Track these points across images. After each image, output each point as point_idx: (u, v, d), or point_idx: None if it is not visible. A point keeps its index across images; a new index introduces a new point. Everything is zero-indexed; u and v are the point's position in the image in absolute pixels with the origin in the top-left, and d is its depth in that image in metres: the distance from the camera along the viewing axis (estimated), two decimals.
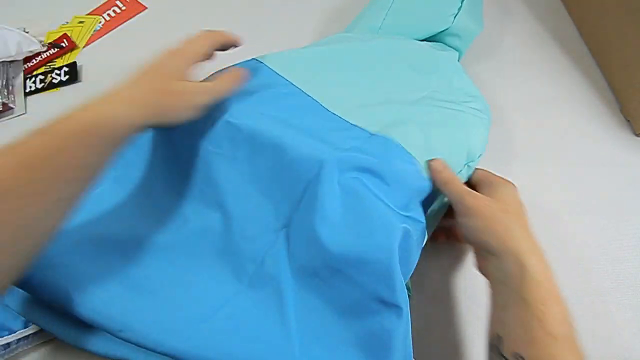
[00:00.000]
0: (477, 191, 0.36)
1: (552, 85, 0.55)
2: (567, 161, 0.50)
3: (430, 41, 0.51)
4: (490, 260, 0.33)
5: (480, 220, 0.33)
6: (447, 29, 0.50)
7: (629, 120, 0.51)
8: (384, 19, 0.50)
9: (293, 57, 0.45)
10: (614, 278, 0.43)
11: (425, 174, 0.37)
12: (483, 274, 0.36)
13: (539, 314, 0.29)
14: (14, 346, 0.39)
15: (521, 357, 0.28)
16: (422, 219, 0.36)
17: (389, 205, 0.33)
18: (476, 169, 0.41)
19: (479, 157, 0.42)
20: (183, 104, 0.33)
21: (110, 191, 0.38)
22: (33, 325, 0.39)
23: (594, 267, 0.44)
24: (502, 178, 0.38)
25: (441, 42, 0.51)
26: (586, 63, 0.56)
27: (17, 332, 0.38)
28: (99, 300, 0.32)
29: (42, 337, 0.40)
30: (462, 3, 0.49)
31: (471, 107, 0.43)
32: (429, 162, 0.37)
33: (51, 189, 0.27)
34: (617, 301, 0.42)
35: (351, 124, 0.38)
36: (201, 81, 0.38)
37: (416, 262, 0.35)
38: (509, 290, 0.31)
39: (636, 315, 0.41)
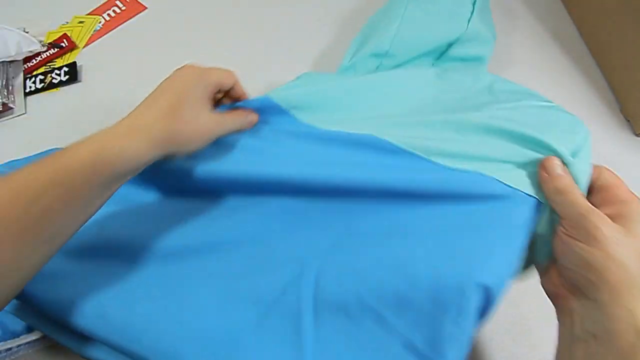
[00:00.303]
0: (593, 204, 0.27)
1: (552, 85, 0.55)
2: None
3: (449, 59, 0.49)
4: (581, 302, 0.26)
5: (599, 254, 0.25)
6: (462, 36, 0.49)
7: (629, 120, 0.51)
8: (399, 26, 0.49)
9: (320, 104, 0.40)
10: None
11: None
12: (553, 299, 0.30)
13: None
14: (16, 349, 0.39)
15: None
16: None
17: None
18: (601, 169, 0.31)
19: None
20: (197, 136, 0.31)
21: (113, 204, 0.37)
22: (36, 330, 0.39)
23: None
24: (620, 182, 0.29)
25: (461, 57, 0.49)
26: (586, 63, 0.56)
27: (21, 337, 0.38)
28: (98, 314, 0.31)
29: (45, 341, 0.40)
30: (474, 7, 0.49)
31: (546, 103, 0.38)
32: (540, 161, 0.30)
33: (47, 222, 0.25)
34: None
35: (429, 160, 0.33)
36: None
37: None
38: (602, 351, 0.24)
39: None
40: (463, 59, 0.49)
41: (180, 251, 0.34)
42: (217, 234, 0.35)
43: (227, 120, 0.34)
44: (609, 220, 0.26)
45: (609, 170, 0.30)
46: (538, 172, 0.30)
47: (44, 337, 0.39)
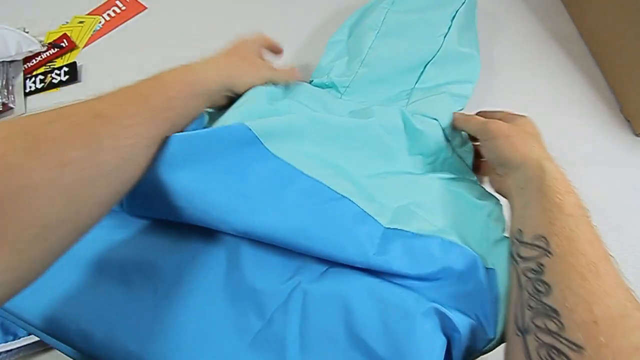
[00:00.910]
0: None
1: (552, 85, 0.55)
2: (567, 161, 0.49)
3: (424, 90, 0.48)
4: (509, 174, 0.36)
5: (502, 138, 0.37)
6: (437, 56, 0.48)
7: (629, 120, 0.51)
8: (376, 36, 0.50)
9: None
10: None
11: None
12: (502, 191, 0.39)
13: (558, 201, 0.31)
14: (16, 351, 0.39)
15: (542, 237, 0.30)
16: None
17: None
18: (494, 112, 0.44)
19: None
20: (253, 71, 0.40)
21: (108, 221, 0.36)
22: (24, 337, 0.38)
23: None
24: (518, 114, 0.41)
25: (437, 84, 0.48)
26: (586, 63, 0.56)
27: (22, 339, 0.38)
28: (84, 325, 0.31)
29: (45, 344, 0.40)
30: (451, 22, 0.49)
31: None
32: (453, 118, 0.43)
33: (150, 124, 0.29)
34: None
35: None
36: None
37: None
38: (528, 191, 0.33)
39: None
40: (439, 85, 0.48)
41: (164, 276, 0.33)
42: (203, 262, 0.34)
43: (276, 70, 0.43)
44: (500, 121, 0.39)
45: (498, 111, 0.43)
46: (453, 121, 0.44)
47: (32, 344, 0.39)
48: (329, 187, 0.34)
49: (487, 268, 0.33)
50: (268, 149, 0.34)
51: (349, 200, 0.34)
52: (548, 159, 0.35)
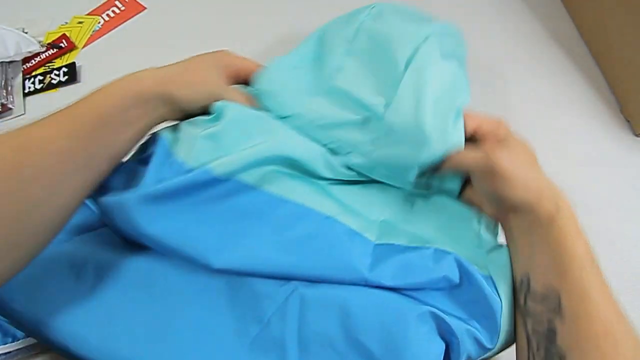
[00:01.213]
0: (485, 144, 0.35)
1: (552, 85, 0.55)
2: (567, 161, 0.50)
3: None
4: (512, 215, 0.33)
5: (504, 177, 0.31)
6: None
7: (629, 121, 0.51)
8: (344, 53, 0.42)
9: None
10: (613, 278, 0.43)
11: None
12: (496, 219, 0.36)
13: (570, 248, 0.29)
14: (15, 353, 0.38)
15: (553, 290, 0.29)
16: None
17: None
18: (481, 121, 0.37)
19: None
20: (197, 84, 0.36)
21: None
22: (23, 339, 0.38)
23: None
24: (497, 123, 0.36)
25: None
26: (586, 63, 0.56)
27: (20, 341, 0.38)
28: (79, 331, 0.31)
29: (44, 346, 0.39)
30: (406, 67, 0.37)
31: None
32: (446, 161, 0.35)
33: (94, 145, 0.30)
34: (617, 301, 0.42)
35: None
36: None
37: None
38: (537, 232, 0.31)
39: (636, 316, 0.41)
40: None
41: (163, 282, 0.33)
42: (199, 272, 0.34)
43: (228, 90, 0.38)
44: (496, 151, 0.32)
45: (486, 120, 0.36)
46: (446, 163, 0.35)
47: (31, 346, 0.39)
48: (313, 209, 0.33)
49: (484, 276, 0.32)
50: (240, 181, 0.33)
51: (335, 220, 0.33)
52: (560, 196, 0.32)
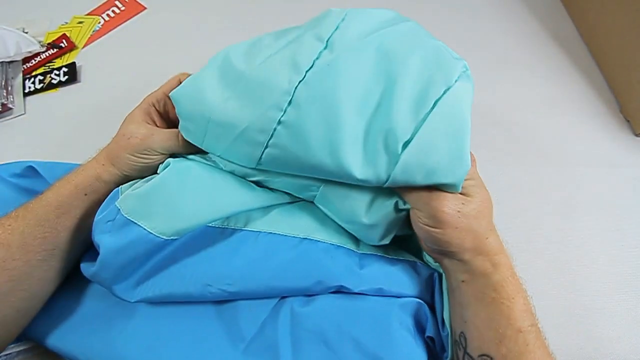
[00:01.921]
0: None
1: (552, 85, 0.55)
2: (567, 161, 0.50)
3: None
4: (449, 263, 0.32)
5: (450, 229, 0.30)
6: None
7: (628, 121, 0.51)
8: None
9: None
10: (614, 278, 0.43)
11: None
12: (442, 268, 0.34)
13: (507, 311, 0.28)
14: (15, 355, 0.38)
15: (489, 358, 0.28)
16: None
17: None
18: None
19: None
20: (125, 145, 0.36)
21: None
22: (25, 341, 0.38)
23: (593, 267, 0.44)
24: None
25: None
26: (586, 63, 0.56)
27: (22, 342, 0.38)
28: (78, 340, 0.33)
29: (44, 347, 0.39)
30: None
31: None
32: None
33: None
34: (617, 302, 0.42)
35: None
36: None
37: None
38: (471, 288, 0.30)
39: (636, 316, 0.41)
40: None
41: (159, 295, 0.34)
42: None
43: (152, 135, 0.37)
44: (448, 196, 0.30)
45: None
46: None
47: (32, 347, 0.39)
48: (284, 235, 0.34)
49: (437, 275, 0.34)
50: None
51: (310, 240, 0.34)
52: (499, 249, 0.30)
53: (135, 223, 0.31)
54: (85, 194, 0.34)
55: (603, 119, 0.52)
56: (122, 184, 0.35)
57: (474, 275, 0.30)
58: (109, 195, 0.34)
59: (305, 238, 0.34)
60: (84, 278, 0.34)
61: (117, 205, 0.32)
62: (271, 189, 0.36)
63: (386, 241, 0.34)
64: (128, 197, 0.33)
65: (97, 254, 0.32)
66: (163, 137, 0.36)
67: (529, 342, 0.28)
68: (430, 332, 0.32)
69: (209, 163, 0.36)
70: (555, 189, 0.48)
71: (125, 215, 0.31)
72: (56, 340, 0.34)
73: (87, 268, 0.32)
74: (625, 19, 0.49)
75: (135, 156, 0.36)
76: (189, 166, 0.35)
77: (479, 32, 0.60)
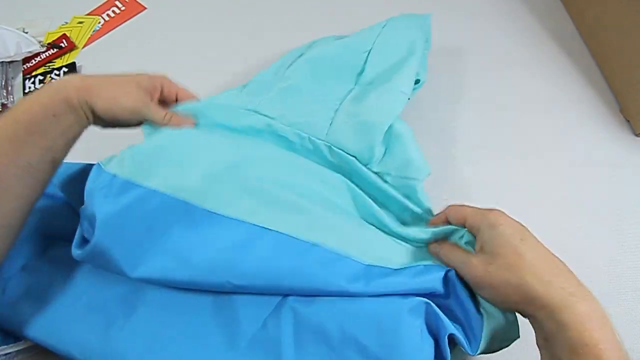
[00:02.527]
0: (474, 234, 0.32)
1: (552, 85, 0.55)
2: (567, 161, 0.50)
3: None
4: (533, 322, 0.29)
5: (490, 289, 0.29)
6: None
7: (628, 121, 0.51)
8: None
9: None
10: (614, 279, 0.43)
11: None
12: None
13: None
14: (14, 355, 0.38)
15: None
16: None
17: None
18: (447, 213, 0.35)
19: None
20: (121, 98, 0.36)
21: None
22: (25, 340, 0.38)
23: (593, 267, 0.44)
24: (486, 212, 0.32)
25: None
26: (586, 63, 0.56)
27: (22, 342, 0.38)
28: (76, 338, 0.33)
29: (44, 347, 0.39)
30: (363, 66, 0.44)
31: None
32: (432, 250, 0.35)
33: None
34: (617, 302, 0.42)
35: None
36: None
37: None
38: (551, 350, 0.27)
39: (636, 316, 0.41)
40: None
41: (155, 288, 0.34)
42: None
43: (152, 108, 0.38)
44: (475, 260, 0.30)
45: (452, 207, 0.34)
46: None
47: (32, 346, 0.39)
48: (295, 238, 0.32)
49: (468, 294, 0.32)
50: (218, 213, 0.32)
51: (320, 247, 0.32)
52: (559, 298, 0.27)
53: (137, 184, 0.31)
54: (54, 115, 0.33)
55: (603, 119, 0.52)
56: (81, 122, 0.35)
57: (548, 334, 0.27)
58: (90, 176, 0.32)
59: (315, 244, 0.33)
60: (78, 275, 0.34)
61: (110, 172, 0.31)
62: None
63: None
64: (123, 160, 0.32)
65: (86, 240, 0.31)
66: (160, 117, 0.38)
67: None
68: (445, 331, 0.31)
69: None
70: (555, 189, 0.48)
71: (125, 177, 0.31)
72: (53, 338, 0.34)
73: (79, 249, 0.31)
74: (625, 19, 0.49)
75: (121, 114, 0.36)
76: (184, 130, 0.36)
77: (479, 32, 0.60)
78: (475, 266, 0.30)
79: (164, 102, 0.41)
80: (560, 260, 0.29)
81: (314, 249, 0.32)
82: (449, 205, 0.34)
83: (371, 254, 0.33)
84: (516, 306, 0.29)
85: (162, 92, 0.40)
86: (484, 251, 0.30)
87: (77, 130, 0.34)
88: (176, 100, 0.41)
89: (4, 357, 0.38)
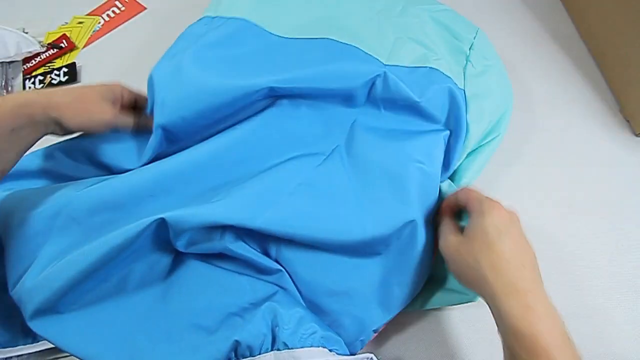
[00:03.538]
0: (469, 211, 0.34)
1: (552, 85, 0.55)
2: (567, 161, 0.50)
3: None
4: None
5: (453, 265, 0.33)
6: None
7: (628, 121, 0.51)
8: None
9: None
10: (614, 278, 0.43)
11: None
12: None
13: None
14: (14, 358, 0.38)
15: None
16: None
17: None
18: (456, 194, 0.37)
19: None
20: (89, 112, 0.37)
21: None
22: (43, 341, 0.38)
23: (593, 267, 0.44)
24: (484, 201, 0.33)
25: None
26: (586, 63, 0.56)
27: (40, 342, 0.38)
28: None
29: (52, 352, 0.39)
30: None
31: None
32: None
33: None
34: (617, 301, 0.42)
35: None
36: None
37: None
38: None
39: (636, 316, 0.41)
40: None
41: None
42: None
43: (119, 117, 0.40)
44: (452, 236, 0.34)
45: (464, 189, 0.36)
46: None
47: (52, 348, 0.38)
48: (333, 40, 0.41)
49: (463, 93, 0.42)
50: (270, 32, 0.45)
51: (354, 47, 0.41)
52: (504, 290, 0.29)
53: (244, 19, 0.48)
54: (12, 130, 0.33)
55: (603, 119, 0.52)
56: (38, 135, 0.36)
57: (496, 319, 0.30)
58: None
59: (348, 45, 0.42)
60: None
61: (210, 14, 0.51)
62: None
63: None
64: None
65: None
66: (127, 120, 0.41)
67: None
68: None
69: None
70: (555, 189, 0.48)
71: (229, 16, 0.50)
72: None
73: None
74: (625, 18, 0.49)
75: (93, 127, 0.38)
76: None
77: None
78: (450, 242, 0.33)
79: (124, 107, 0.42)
80: (532, 263, 0.31)
81: (349, 48, 0.42)
82: (463, 187, 0.37)
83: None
84: (471, 287, 0.32)
85: (122, 99, 0.41)
86: (465, 234, 0.33)
87: (32, 142, 0.35)
88: (135, 106, 0.43)
89: (18, 358, 0.38)
